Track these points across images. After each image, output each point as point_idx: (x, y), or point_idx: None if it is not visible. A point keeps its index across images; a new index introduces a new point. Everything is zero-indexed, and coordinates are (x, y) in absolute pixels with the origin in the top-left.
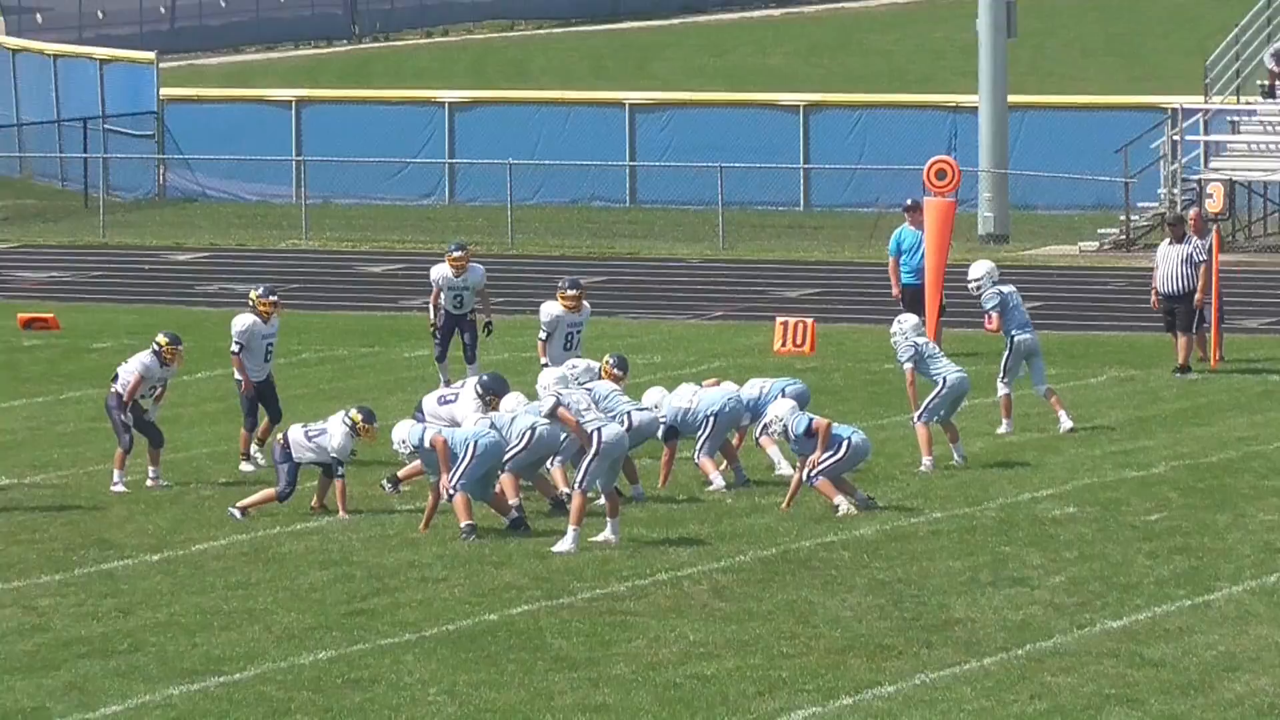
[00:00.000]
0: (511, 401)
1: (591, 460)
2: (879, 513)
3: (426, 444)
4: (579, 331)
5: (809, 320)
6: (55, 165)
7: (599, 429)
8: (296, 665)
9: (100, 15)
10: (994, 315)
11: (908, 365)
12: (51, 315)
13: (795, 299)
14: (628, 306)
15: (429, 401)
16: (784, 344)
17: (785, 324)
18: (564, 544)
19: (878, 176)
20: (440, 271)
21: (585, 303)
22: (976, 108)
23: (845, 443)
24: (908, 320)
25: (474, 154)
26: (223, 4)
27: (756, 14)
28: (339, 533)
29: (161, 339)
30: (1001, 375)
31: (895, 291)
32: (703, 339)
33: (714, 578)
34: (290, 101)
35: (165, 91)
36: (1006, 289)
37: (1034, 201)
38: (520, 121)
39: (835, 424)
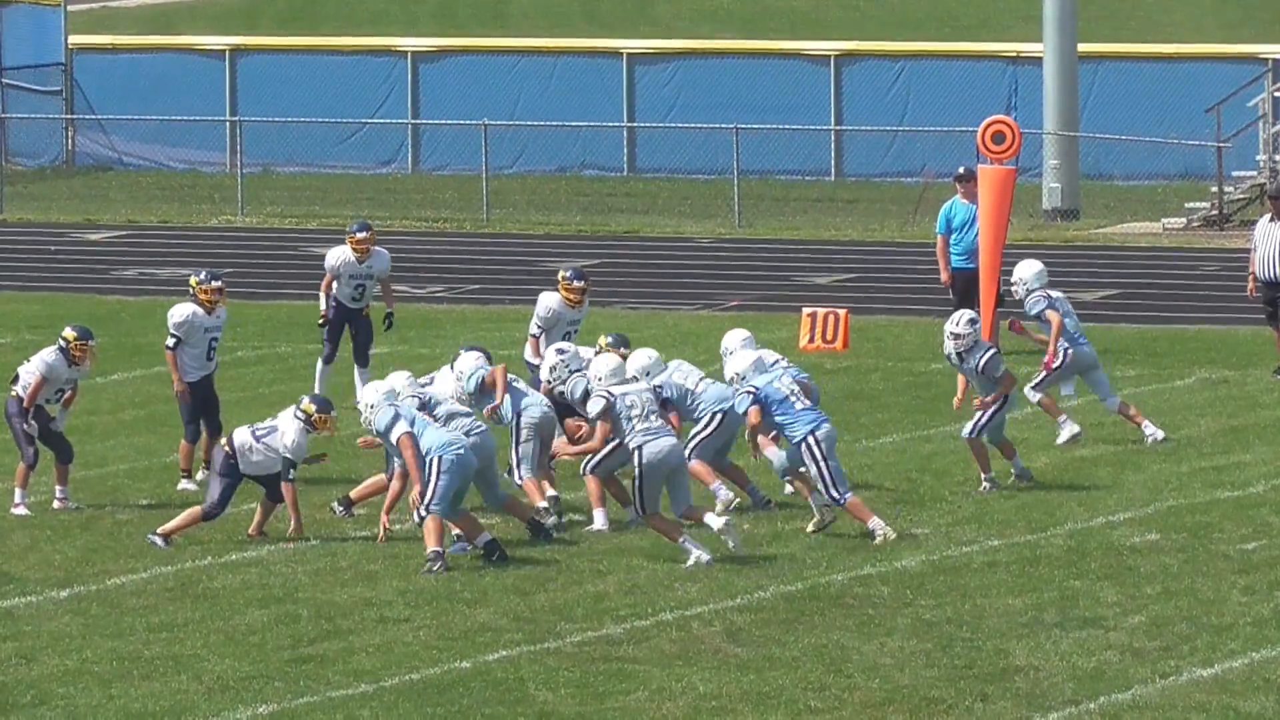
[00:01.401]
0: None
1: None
2: (923, 542)
3: (394, 438)
4: (576, 331)
5: (841, 311)
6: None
7: (641, 446)
8: None
9: None
10: (1052, 317)
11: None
12: None
13: (825, 286)
14: (626, 294)
15: (399, 379)
16: (812, 339)
17: (813, 315)
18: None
19: (923, 141)
20: (339, 256)
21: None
22: (1040, 58)
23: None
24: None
25: (442, 114)
26: None
27: None
28: (281, 564)
29: (69, 333)
30: (1035, 384)
31: (944, 276)
32: (715, 333)
33: (728, 618)
34: (223, 51)
35: (74, 39)
36: (1055, 294)
37: (1109, 170)
38: (497, 75)
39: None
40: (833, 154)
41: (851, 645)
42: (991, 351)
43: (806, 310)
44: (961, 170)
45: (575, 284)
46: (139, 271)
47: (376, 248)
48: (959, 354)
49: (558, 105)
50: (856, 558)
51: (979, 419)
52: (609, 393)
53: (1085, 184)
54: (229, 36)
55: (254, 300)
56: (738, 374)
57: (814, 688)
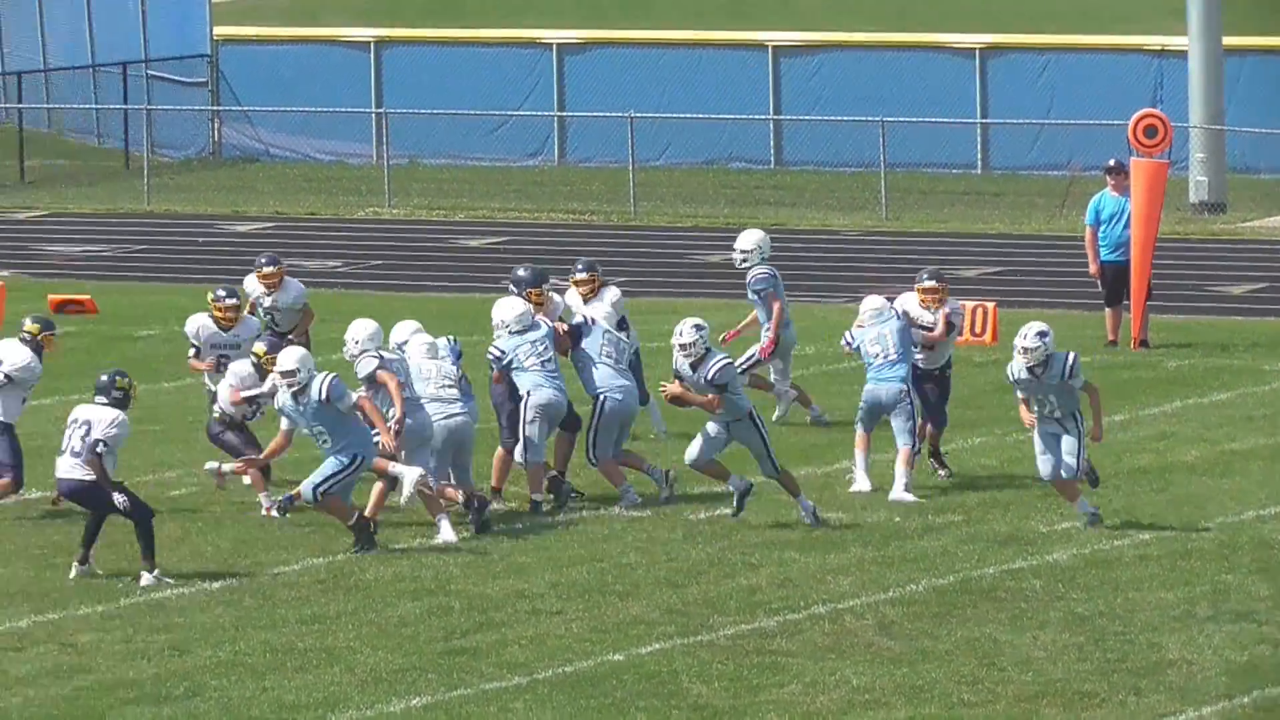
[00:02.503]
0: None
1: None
2: (1074, 535)
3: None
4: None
5: (989, 304)
6: (90, 119)
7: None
8: (384, 713)
9: None
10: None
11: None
12: (88, 297)
13: (973, 279)
14: None
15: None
16: (960, 332)
17: (961, 309)
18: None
19: (1069, 134)
20: (250, 286)
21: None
22: (1186, 52)
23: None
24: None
25: (588, 106)
26: None
27: None
28: (433, 556)
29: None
30: (744, 368)
31: (1092, 268)
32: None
33: (881, 611)
34: (368, 43)
35: (219, 31)
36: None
37: (1255, 164)
38: (643, 67)
39: None
40: (979, 147)
41: (1004, 638)
42: (1073, 356)
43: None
44: (1112, 163)
45: (580, 275)
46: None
47: (288, 279)
48: (1031, 370)
49: (704, 97)
50: (1008, 551)
51: (1082, 456)
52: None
53: (1231, 178)
54: (374, 28)
55: (401, 292)
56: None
57: (966, 681)
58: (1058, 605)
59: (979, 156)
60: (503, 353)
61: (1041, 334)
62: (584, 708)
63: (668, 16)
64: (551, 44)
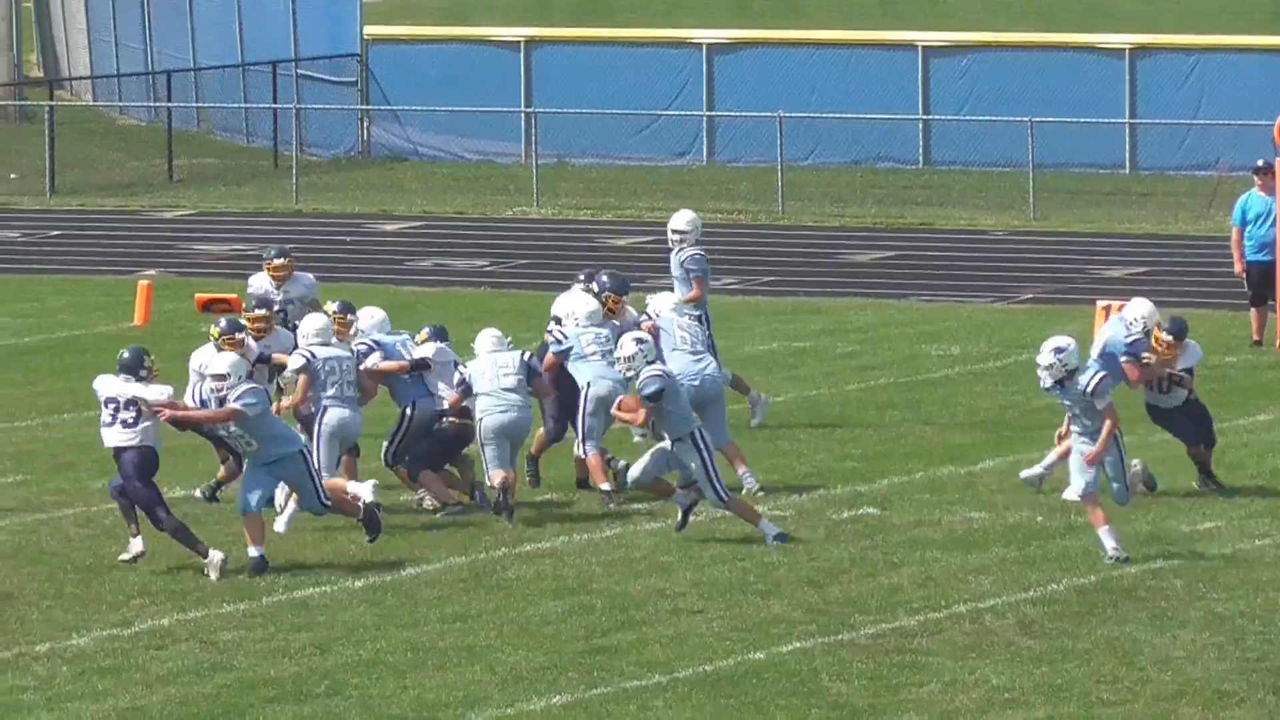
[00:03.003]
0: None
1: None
2: (1216, 535)
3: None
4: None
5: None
6: (239, 117)
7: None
8: (525, 712)
9: None
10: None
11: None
12: (235, 296)
13: (1119, 279)
14: (920, 287)
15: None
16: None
17: (1108, 309)
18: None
19: (1218, 134)
20: (258, 282)
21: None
22: None
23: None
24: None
25: (737, 106)
26: None
27: None
28: (575, 555)
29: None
30: None
31: (1238, 268)
32: (1009, 326)
33: (1021, 610)
34: (518, 43)
35: (369, 30)
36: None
37: None
38: (792, 67)
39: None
40: (1127, 147)
41: (1143, 638)
42: (1100, 375)
43: (1101, 303)
44: (1260, 163)
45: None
46: (435, 262)
47: (298, 272)
48: (1057, 382)
49: (852, 97)
50: (1150, 550)
51: (1126, 476)
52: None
53: None
54: (524, 28)
55: (549, 291)
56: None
57: (1106, 680)
58: (1198, 605)
59: (1127, 156)
60: (565, 338)
61: (1058, 350)
62: (724, 706)
63: (818, 17)
64: (701, 44)
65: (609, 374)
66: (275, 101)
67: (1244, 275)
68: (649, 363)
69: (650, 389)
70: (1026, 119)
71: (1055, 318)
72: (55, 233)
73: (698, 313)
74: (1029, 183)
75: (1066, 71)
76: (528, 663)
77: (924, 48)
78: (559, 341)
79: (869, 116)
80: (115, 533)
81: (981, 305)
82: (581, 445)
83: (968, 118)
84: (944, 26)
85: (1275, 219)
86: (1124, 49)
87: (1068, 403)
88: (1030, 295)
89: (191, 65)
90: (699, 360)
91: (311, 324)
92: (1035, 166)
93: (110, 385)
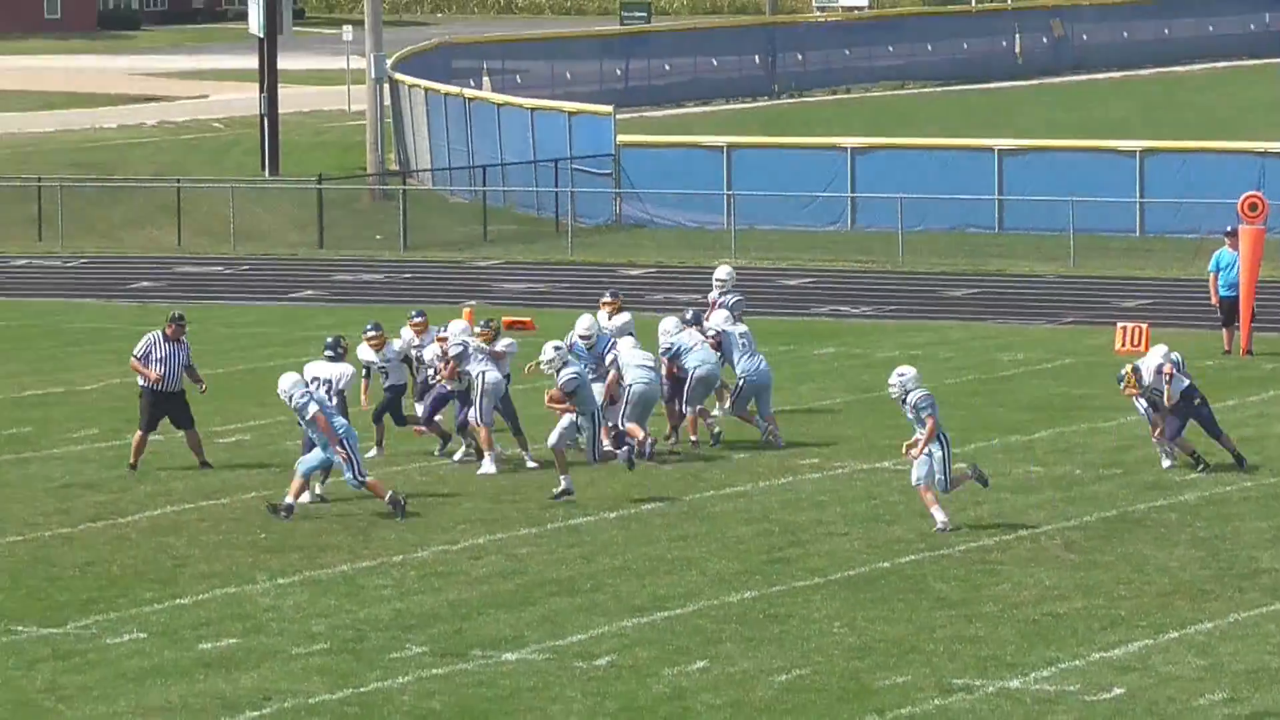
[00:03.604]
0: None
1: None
2: (1203, 479)
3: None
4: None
5: (1144, 325)
6: (532, 198)
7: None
8: (726, 603)
9: (568, 76)
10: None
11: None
12: (529, 319)
13: (1132, 308)
14: (996, 314)
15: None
16: (1123, 344)
17: (1125, 328)
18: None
19: (1200, 208)
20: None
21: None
22: None
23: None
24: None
25: (871, 189)
26: (666, 68)
27: (1100, 76)
28: (761, 495)
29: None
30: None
31: (1214, 300)
32: (1056, 340)
33: (1065, 534)
34: (722, 146)
35: (621, 138)
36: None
37: None
38: (908, 163)
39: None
40: (1137, 218)
41: (1149, 554)
42: (920, 395)
43: (1120, 324)
44: (1229, 229)
45: (606, 299)
46: (664, 296)
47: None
48: (899, 399)
49: (950, 183)
50: (1153, 493)
51: (948, 470)
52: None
53: None
54: (726, 136)
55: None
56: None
57: (1124, 582)
58: (1186, 530)
59: (1137, 224)
60: (672, 345)
61: (900, 374)
62: (861, 599)
63: (926, 128)
64: (847, 148)
65: (706, 362)
66: (556, 186)
67: (1218, 306)
68: (565, 365)
69: (569, 386)
70: (1069, 198)
71: (1088, 334)
72: (407, 275)
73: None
74: (1070, 242)
75: (1096, 165)
76: (727, 569)
77: (999, 150)
78: (667, 349)
79: (961, 197)
80: (448, 480)
81: (1038, 326)
82: (684, 406)
83: (1029, 198)
84: (1013, 135)
85: (1237, 267)
86: (1136, 151)
87: (909, 415)
88: (1071, 319)
89: (500, 161)
90: (755, 359)
91: (457, 326)
92: (1075, 231)
93: (315, 368)
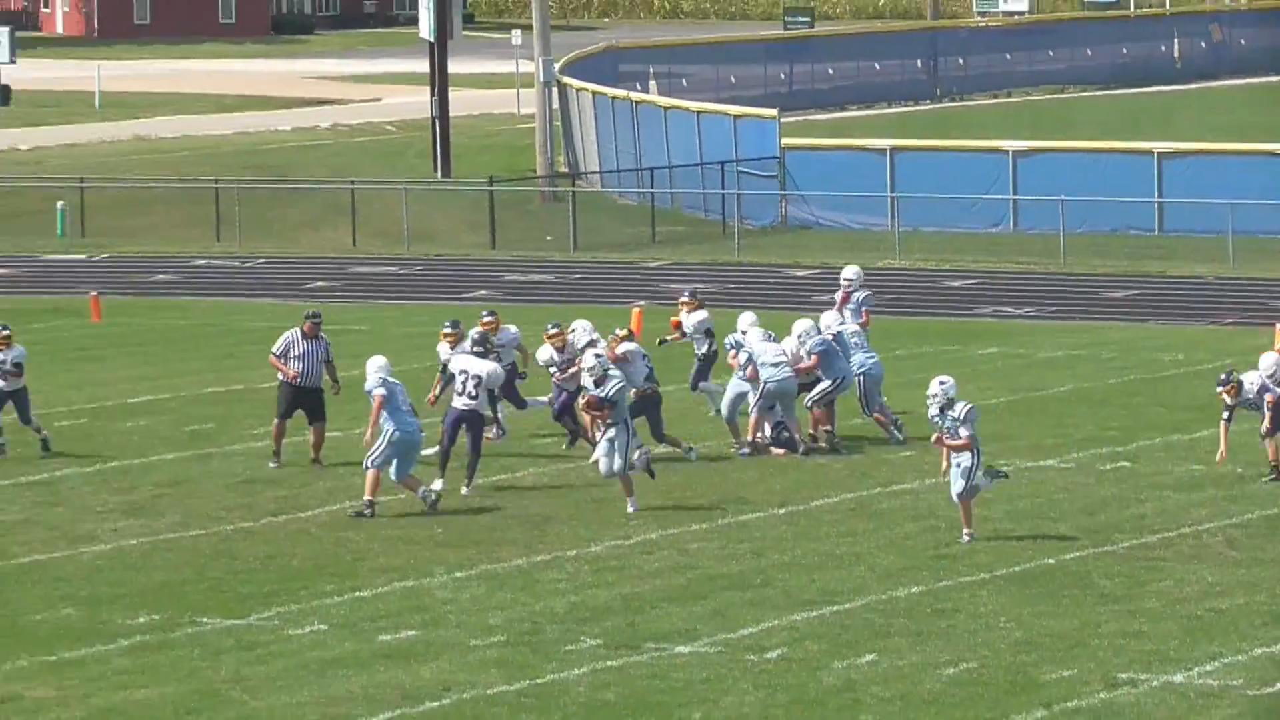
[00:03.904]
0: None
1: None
2: None
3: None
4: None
5: None
6: (699, 200)
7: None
8: (893, 598)
9: (733, 80)
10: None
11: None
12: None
13: None
14: (1157, 315)
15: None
16: None
17: None
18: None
19: None
20: (544, 355)
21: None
22: None
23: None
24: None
25: (1032, 191)
26: (830, 72)
27: (1258, 80)
28: (926, 493)
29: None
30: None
31: None
32: (1216, 341)
33: (1228, 532)
34: (885, 149)
35: (785, 141)
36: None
37: None
38: (1069, 166)
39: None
40: None
41: None
42: (969, 406)
43: (1279, 325)
44: None
45: (684, 299)
46: (829, 297)
47: (504, 325)
48: (940, 409)
49: (1110, 186)
50: None
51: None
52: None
53: None
54: (889, 139)
55: (907, 318)
56: None
57: None
58: None
59: None
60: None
61: (941, 382)
62: (1026, 594)
63: (1085, 131)
64: (1008, 151)
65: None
66: (723, 188)
67: None
68: (606, 374)
69: (617, 396)
70: (1228, 201)
71: (1248, 335)
72: (576, 276)
73: (855, 326)
74: (1229, 244)
75: (1257, 169)
76: (894, 564)
77: (1158, 153)
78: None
79: (1121, 199)
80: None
81: (1198, 327)
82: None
83: (1188, 200)
84: (1172, 138)
85: None
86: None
87: (948, 424)
88: (1231, 320)
89: (667, 164)
90: (870, 355)
91: (582, 325)
92: (1234, 233)
93: (462, 361)
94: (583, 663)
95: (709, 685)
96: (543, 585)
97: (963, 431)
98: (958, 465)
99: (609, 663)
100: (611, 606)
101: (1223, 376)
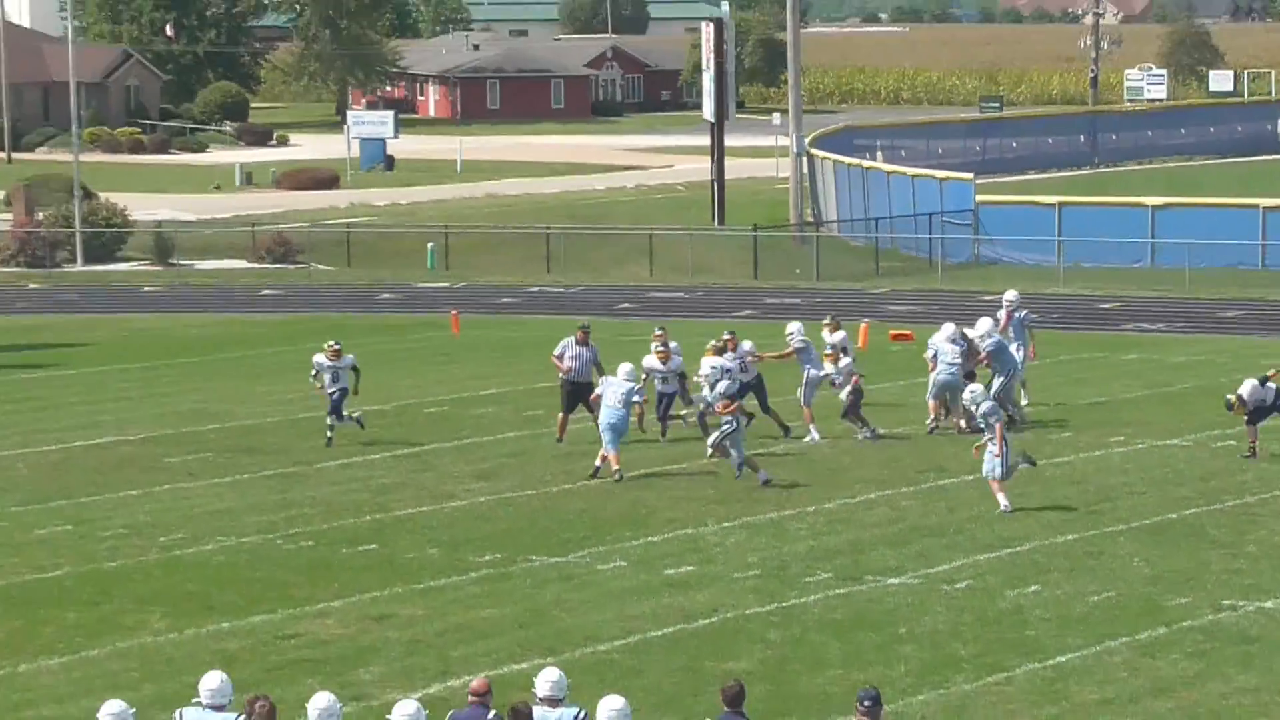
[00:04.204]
0: None
1: None
2: None
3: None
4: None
5: None
6: (912, 242)
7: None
8: (1053, 543)
9: (939, 151)
10: None
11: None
12: (910, 333)
13: None
14: (1259, 330)
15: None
16: None
17: None
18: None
19: None
20: (649, 363)
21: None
22: None
23: None
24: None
25: (1167, 236)
26: (1014, 145)
27: None
28: (1081, 464)
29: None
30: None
31: None
32: None
33: None
34: (1054, 204)
35: (979, 197)
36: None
37: None
38: (1196, 217)
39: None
40: None
41: None
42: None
43: None
44: None
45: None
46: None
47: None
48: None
49: (1224, 230)
50: None
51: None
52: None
53: None
54: (1057, 195)
55: (1070, 331)
56: None
57: None
58: None
59: None
60: (933, 350)
61: (972, 390)
62: (1155, 540)
63: (1214, 188)
64: (1149, 206)
65: (945, 370)
66: (930, 234)
67: None
68: (720, 378)
69: (729, 391)
70: None
71: None
72: (817, 299)
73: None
74: None
75: None
76: (1055, 518)
77: (1263, 207)
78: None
79: (1235, 242)
80: (852, 453)
81: None
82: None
83: None
84: (1273, 196)
85: None
86: None
87: (979, 421)
88: None
89: (889, 214)
90: (1019, 355)
91: (745, 345)
92: None
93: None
94: (818, 590)
95: (912, 608)
96: (789, 532)
97: (996, 425)
98: (991, 452)
99: (838, 590)
100: (840, 549)
101: (1228, 403)
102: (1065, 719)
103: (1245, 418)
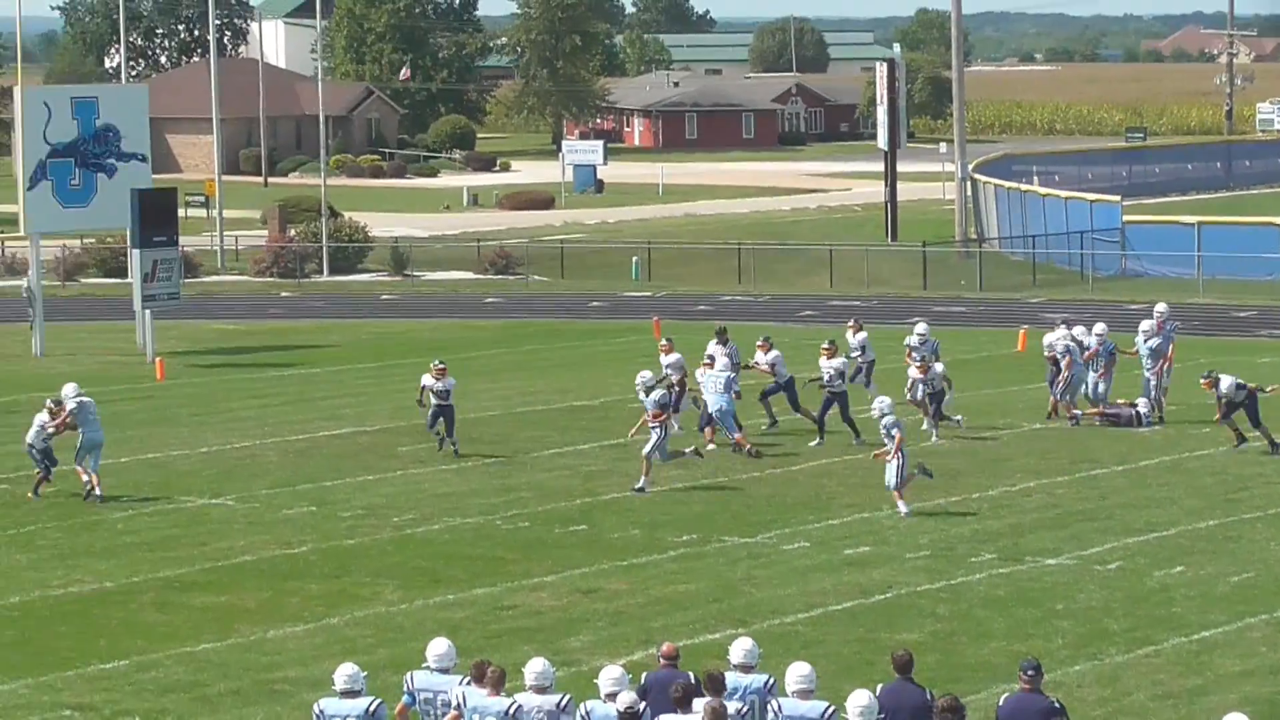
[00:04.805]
0: None
1: None
2: None
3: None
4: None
5: None
6: (1065, 257)
7: None
8: (1196, 528)
9: (1089, 176)
10: None
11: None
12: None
13: None
14: None
15: None
16: None
17: None
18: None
19: None
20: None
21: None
22: None
23: None
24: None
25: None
26: (1157, 170)
27: None
28: (1221, 457)
29: None
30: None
31: None
32: None
33: None
34: (1194, 223)
35: (1125, 218)
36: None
37: None
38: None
39: None
40: None
41: None
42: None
43: None
44: None
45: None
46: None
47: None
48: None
49: None
50: None
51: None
52: None
53: None
54: (1195, 216)
55: (1204, 337)
56: None
57: None
58: None
59: None
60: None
61: (880, 400)
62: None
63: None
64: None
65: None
66: (1081, 250)
67: None
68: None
69: (661, 401)
70: None
71: None
72: (980, 308)
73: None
74: None
75: None
76: (1197, 505)
77: None
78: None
79: None
80: (1007, 444)
81: None
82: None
83: None
84: None
85: None
86: None
87: (881, 432)
88: None
89: (1044, 232)
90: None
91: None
92: None
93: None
94: (982, 570)
95: (1068, 586)
96: (955, 517)
97: (896, 435)
98: (889, 463)
99: (1000, 570)
100: (1002, 532)
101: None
102: (1209, 689)
103: (1219, 414)
